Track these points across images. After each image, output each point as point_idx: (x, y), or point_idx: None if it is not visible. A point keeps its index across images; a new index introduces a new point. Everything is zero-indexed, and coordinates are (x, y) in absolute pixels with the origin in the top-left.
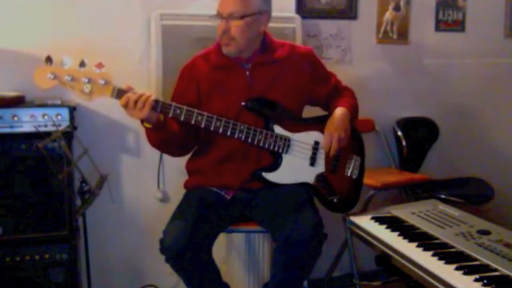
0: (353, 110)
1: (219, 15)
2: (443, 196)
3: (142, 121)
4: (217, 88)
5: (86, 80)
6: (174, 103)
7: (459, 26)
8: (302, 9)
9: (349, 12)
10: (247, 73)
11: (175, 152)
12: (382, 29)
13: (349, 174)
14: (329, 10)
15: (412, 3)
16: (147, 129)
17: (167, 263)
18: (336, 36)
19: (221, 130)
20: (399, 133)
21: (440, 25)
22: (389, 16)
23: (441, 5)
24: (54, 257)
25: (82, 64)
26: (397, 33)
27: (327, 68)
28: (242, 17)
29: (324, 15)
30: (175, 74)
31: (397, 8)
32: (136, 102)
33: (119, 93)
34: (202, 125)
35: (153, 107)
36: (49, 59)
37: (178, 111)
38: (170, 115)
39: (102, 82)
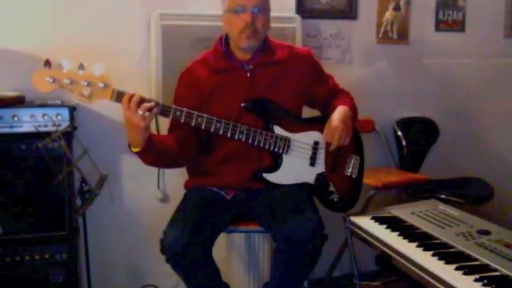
0: (353, 110)
1: (241, 8)
2: (443, 196)
3: (130, 147)
4: (218, 91)
5: (86, 83)
6: (174, 106)
7: (459, 26)
8: (302, 9)
9: (349, 12)
10: (248, 74)
11: (176, 165)
12: (382, 29)
13: (349, 174)
14: (329, 10)
15: (412, 3)
16: (137, 154)
17: (167, 263)
18: (336, 36)
19: (221, 131)
20: (399, 133)
21: (440, 25)
22: (389, 16)
23: (441, 5)
24: (54, 257)
25: (81, 66)
26: (397, 33)
27: (326, 68)
28: (265, 10)
29: (324, 15)
30: (175, 74)
31: (397, 8)
32: (138, 104)
33: (119, 96)
34: (203, 127)
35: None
36: (47, 63)
37: (178, 113)
38: (170, 117)
39: (102, 85)
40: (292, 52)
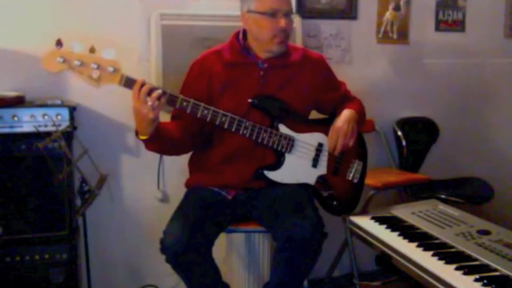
0: (360, 114)
1: (274, 12)
2: (443, 196)
3: (137, 134)
4: (229, 85)
5: (95, 66)
6: (181, 96)
7: (459, 26)
8: (302, 9)
9: (349, 12)
10: (261, 72)
11: (176, 154)
12: (382, 29)
13: (350, 178)
14: (329, 10)
15: (412, 3)
16: (144, 141)
17: (167, 263)
18: (336, 36)
19: (226, 125)
20: (399, 133)
21: (440, 25)
22: (389, 16)
23: (441, 5)
24: (54, 257)
25: (92, 50)
26: (397, 33)
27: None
28: (292, 15)
29: (324, 15)
30: (175, 74)
31: (397, 8)
32: (147, 94)
33: (127, 82)
34: (208, 119)
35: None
36: (59, 43)
37: (185, 103)
38: (177, 107)
39: (111, 69)
40: (305, 56)
